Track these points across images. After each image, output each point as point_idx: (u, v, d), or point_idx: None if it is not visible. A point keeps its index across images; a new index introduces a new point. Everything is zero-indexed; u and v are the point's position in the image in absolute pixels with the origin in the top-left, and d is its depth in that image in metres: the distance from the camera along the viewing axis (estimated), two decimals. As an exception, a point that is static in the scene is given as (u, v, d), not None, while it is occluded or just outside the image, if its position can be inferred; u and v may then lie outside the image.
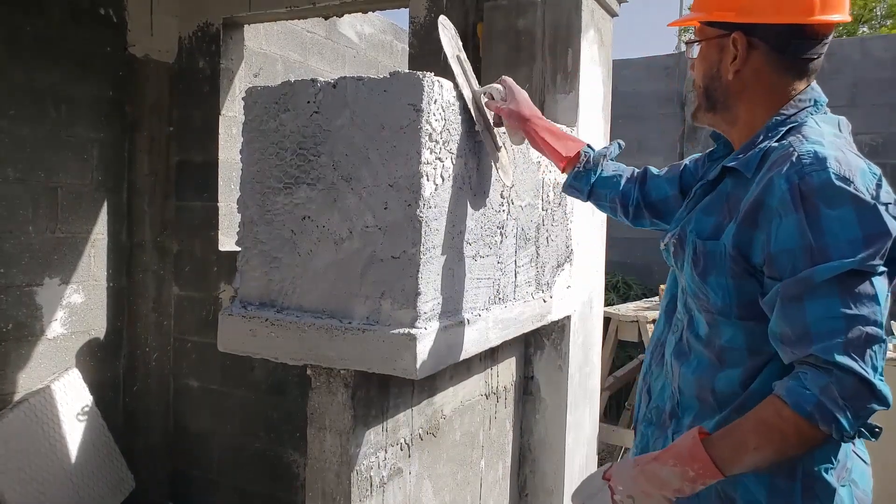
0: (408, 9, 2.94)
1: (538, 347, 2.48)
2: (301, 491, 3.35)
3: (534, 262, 2.10)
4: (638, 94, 7.72)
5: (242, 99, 1.65)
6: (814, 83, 1.30)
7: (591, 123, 2.62)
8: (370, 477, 1.62)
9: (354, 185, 1.51)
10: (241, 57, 3.63)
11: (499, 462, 2.34)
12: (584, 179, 1.69)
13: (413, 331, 1.44)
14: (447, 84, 1.53)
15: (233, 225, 3.48)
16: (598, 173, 1.68)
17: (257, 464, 3.51)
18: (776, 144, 1.21)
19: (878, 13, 13.41)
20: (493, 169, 1.74)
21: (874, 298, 1.06)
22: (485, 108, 1.71)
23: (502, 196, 1.85)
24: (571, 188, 1.73)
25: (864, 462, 1.27)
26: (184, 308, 3.65)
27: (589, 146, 1.71)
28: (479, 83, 1.77)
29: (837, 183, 1.08)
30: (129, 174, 3.60)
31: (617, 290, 6.40)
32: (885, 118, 6.38)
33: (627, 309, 4.51)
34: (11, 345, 3.16)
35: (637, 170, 1.70)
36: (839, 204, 1.07)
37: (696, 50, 1.36)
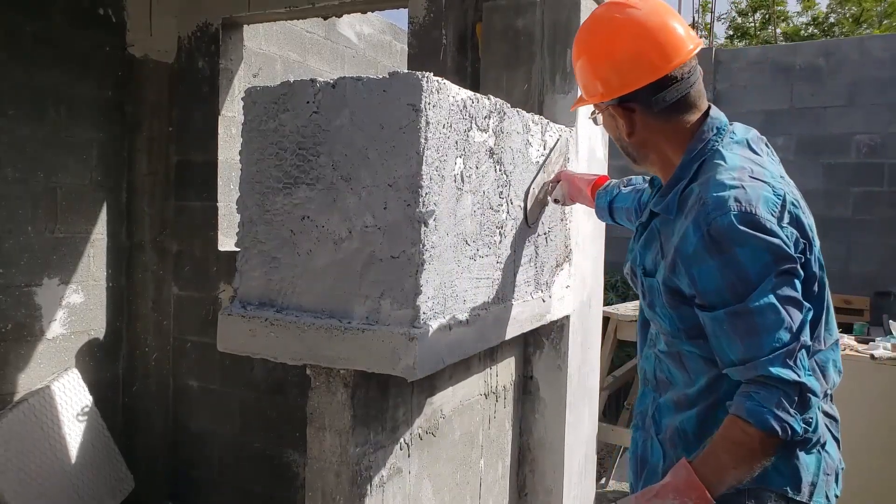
0: (407, 9, 2.94)
1: (537, 347, 2.49)
2: (301, 491, 3.35)
3: (533, 262, 2.10)
4: (637, 94, 7.69)
5: (242, 99, 1.65)
6: (711, 108, 1.45)
7: (590, 123, 2.62)
8: (370, 476, 1.63)
9: (354, 185, 1.51)
10: (240, 57, 3.63)
11: (498, 461, 2.34)
12: (603, 197, 1.98)
13: (412, 330, 1.45)
14: (446, 84, 1.53)
15: (232, 225, 3.48)
16: (615, 193, 1.95)
17: (257, 463, 3.51)
18: (692, 187, 1.38)
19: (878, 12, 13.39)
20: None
21: (797, 300, 1.26)
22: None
23: (501, 196, 1.85)
24: (598, 208, 2.02)
25: (835, 436, 1.44)
26: (183, 308, 3.65)
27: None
28: (479, 83, 1.78)
29: (740, 225, 1.25)
30: (129, 174, 3.60)
31: (616, 289, 6.39)
32: (884, 118, 6.36)
33: (626, 308, 4.50)
34: (11, 345, 3.16)
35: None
36: (745, 241, 1.25)
37: (599, 120, 1.57)
